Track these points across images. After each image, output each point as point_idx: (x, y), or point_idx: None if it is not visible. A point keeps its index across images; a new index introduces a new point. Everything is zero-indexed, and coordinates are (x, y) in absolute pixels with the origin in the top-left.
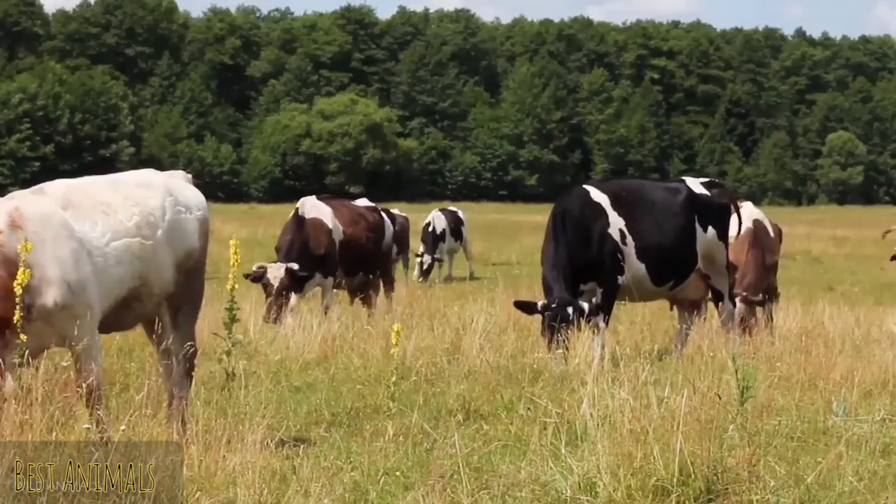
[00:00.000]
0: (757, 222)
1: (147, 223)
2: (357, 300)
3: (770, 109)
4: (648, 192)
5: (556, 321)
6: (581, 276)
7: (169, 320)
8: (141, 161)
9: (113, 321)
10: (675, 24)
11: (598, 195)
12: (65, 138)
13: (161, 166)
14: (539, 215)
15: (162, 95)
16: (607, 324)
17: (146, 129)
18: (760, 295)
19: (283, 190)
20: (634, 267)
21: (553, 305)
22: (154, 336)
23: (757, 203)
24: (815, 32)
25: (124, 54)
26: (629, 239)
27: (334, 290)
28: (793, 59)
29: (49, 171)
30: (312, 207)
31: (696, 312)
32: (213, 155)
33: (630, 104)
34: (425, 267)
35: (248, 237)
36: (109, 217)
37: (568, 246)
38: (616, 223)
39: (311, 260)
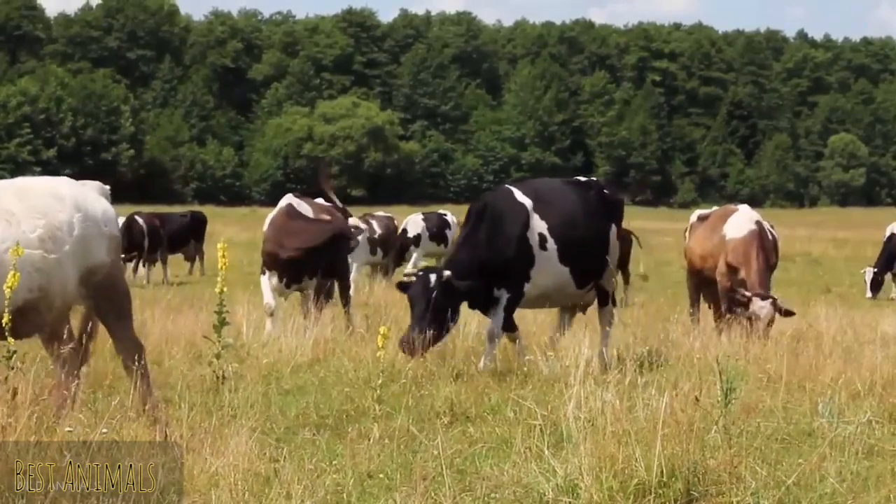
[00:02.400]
0: (759, 223)
1: (52, 237)
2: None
3: (772, 111)
4: (567, 193)
5: (411, 289)
6: (493, 279)
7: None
8: (142, 164)
9: (12, 329)
10: (677, 26)
11: (521, 197)
12: (67, 142)
13: (163, 169)
14: None
15: (164, 99)
16: (504, 329)
17: (148, 132)
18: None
19: (284, 193)
20: (557, 271)
21: (418, 274)
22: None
23: (759, 205)
24: (816, 34)
25: (126, 57)
26: (550, 242)
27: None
28: (794, 60)
29: (50, 175)
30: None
31: (573, 313)
32: (215, 158)
33: (632, 106)
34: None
35: (248, 240)
36: (11, 226)
37: (486, 241)
38: (536, 227)
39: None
